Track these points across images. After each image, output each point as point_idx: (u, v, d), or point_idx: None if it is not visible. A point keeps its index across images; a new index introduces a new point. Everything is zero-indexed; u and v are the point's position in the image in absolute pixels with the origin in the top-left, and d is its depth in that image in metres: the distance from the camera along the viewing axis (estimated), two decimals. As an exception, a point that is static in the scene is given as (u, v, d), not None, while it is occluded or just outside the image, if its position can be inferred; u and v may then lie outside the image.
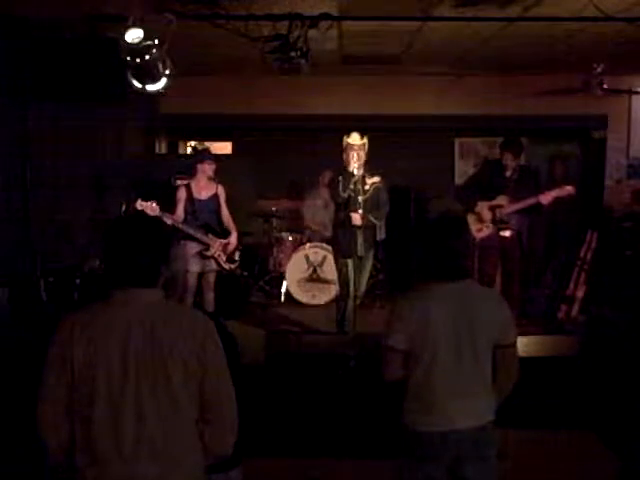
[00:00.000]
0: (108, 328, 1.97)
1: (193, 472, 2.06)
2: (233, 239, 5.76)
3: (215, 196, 5.70)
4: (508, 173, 5.60)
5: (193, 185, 5.65)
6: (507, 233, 5.53)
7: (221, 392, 2.06)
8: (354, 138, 5.20)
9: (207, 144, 9.01)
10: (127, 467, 1.94)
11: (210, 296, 5.69)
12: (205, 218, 5.64)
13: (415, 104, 7.66)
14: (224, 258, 5.68)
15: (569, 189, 5.43)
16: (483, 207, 5.56)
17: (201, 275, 5.66)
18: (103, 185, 6.58)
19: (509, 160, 5.56)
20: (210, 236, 5.61)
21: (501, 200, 5.53)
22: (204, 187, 5.67)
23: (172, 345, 1.98)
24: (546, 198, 5.38)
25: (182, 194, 5.60)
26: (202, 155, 6.00)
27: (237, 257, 5.86)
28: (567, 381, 4.73)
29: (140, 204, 5.26)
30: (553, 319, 6.32)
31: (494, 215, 5.54)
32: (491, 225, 5.54)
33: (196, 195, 5.62)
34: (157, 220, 2.16)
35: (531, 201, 5.43)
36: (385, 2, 4.45)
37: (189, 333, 2.02)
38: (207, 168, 5.63)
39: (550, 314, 6.41)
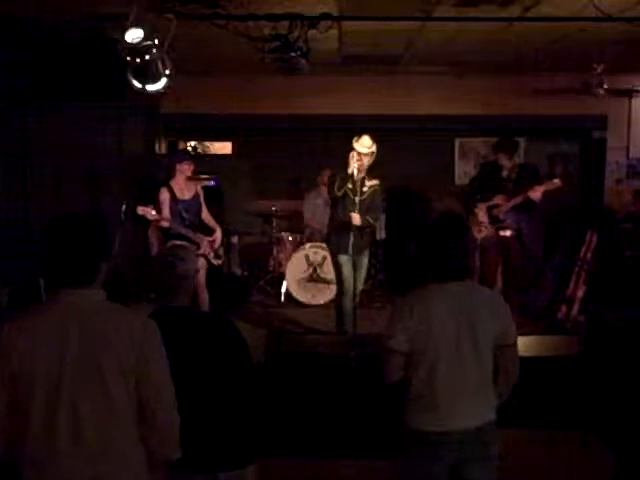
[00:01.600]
0: (44, 330, 1.95)
1: (132, 473, 2.04)
2: (218, 236, 5.83)
3: (197, 196, 5.73)
4: (505, 173, 5.60)
5: (174, 186, 5.63)
6: (507, 233, 5.53)
7: (158, 395, 2.03)
8: (361, 144, 5.12)
9: (207, 144, 9.02)
10: (62, 468, 1.94)
11: (204, 295, 5.68)
12: (190, 218, 5.66)
13: (415, 104, 7.66)
14: (212, 255, 5.76)
15: (556, 182, 5.45)
16: (481, 208, 5.59)
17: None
18: (103, 185, 6.59)
19: (504, 161, 5.56)
20: (198, 234, 5.66)
21: (498, 200, 5.54)
22: (185, 187, 5.67)
23: (108, 347, 1.96)
24: (534, 194, 5.39)
25: (165, 195, 5.57)
26: (180, 156, 5.99)
27: (222, 252, 5.95)
28: (567, 381, 4.73)
29: (141, 210, 5.28)
30: (553, 319, 6.32)
31: (491, 215, 5.55)
32: (489, 226, 5.54)
33: (179, 196, 5.61)
34: (92, 217, 2.12)
35: (519, 199, 5.44)
36: (385, 2, 4.45)
37: (126, 335, 2.00)
38: (186, 168, 5.62)
39: (550, 314, 6.41)
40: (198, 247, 5.61)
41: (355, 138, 5.17)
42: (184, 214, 5.60)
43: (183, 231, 5.52)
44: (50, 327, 1.96)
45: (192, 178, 5.81)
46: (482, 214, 5.55)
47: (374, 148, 5.16)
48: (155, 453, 2.08)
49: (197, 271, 5.54)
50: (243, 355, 2.66)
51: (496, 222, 5.55)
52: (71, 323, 1.96)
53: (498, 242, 5.55)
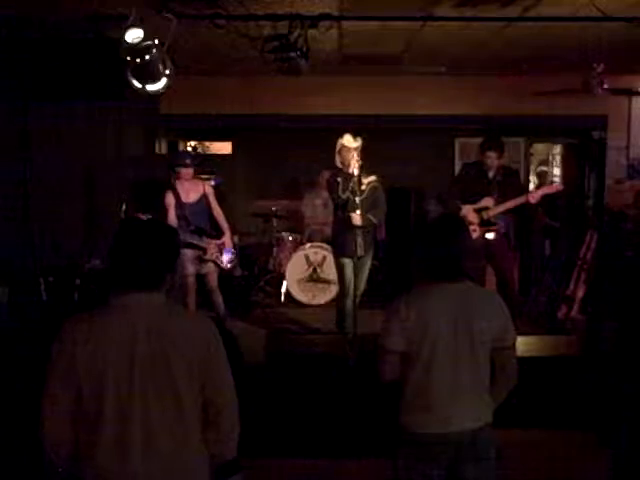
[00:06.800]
0: (112, 333, 1.95)
1: (200, 478, 2.05)
2: (227, 239, 5.67)
3: (203, 196, 5.59)
4: (491, 174, 5.49)
5: (179, 188, 5.52)
6: (491, 235, 5.45)
7: (223, 394, 2.05)
8: (349, 140, 5.14)
9: (207, 144, 9.01)
10: (135, 476, 1.92)
11: (218, 298, 5.62)
12: (196, 221, 5.53)
13: (415, 104, 7.66)
14: (221, 259, 5.64)
15: (557, 186, 5.41)
16: (469, 210, 5.44)
17: (201, 277, 5.59)
18: (103, 185, 6.59)
19: (492, 160, 5.43)
20: (204, 239, 5.54)
21: (486, 202, 5.44)
22: (190, 189, 5.54)
23: (176, 348, 1.97)
24: (534, 197, 5.33)
25: (170, 200, 5.48)
26: (178, 159, 5.75)
27: (234, 256, 5.81)
28: (567, 381, 4.73)
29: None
30: (553, 319, 6.32)
31: (481, 218, 5.47)
32: (478, 228, 5.46)
33: (184, 199, 5.50)
34: (168, 227, 2.14)
35: (520, 200, 5.36)
36: (385, 2, 4.45)
37: (192, 335, 2.02)
38: (184, 173, 5.49)
39: (550, 314, 6.41)
40: (204, 252, 5.52)
41: (340, 138, 5.15)
42: (190, 218, 5.49)
43: (187, 238, 5.40)
44: (117, 330, 1.95)
45: (197, 177, 5.68)
46: (472, 216, 5.46)
47: (360, 141, 5.14)
48: (214, 455, 2.08)
49: (184, 275, 5.49)
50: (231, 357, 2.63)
51: (486, 225, 5.46)
52: (138, 326, 1.95)
53: (483, 245, 5.46)
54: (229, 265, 5.71)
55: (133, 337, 1.94)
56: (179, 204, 5.48)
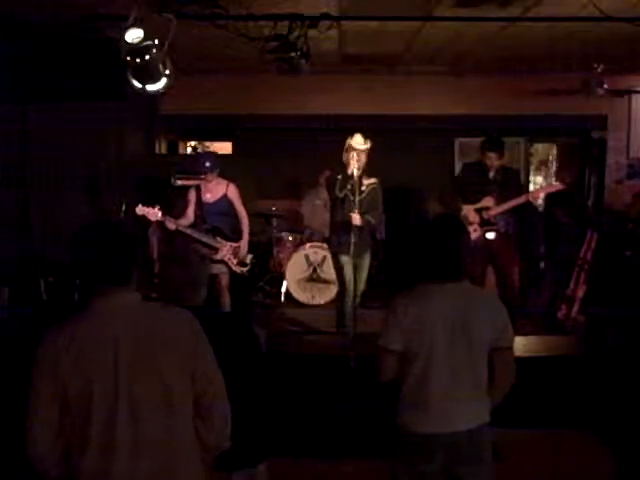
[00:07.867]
0: (95, 338, 1.94)
1: (193, 471, 2.05)
2: (243, 242, 5.67)
3: (224, 197, 5.60)
4: (491, 174, 5.49)
5: (202, 187, 5.58)
6: (491, 235, 5.45)
7: (212, 388, 2.06)
8: (358, 141, 5.15)
9: (207, 144, 9.00)
10: (124, 475, 1.92)
11: (226, 299, 5.63)
12: (214, 221, 5.55)
13: (415, 104, 7.65)
14: (234, 262, 5.62)
15: (557, 185, 5.40)
16: (469, 210, 5.45)
17: (214, 277, 5.60)
18: (103, 185, 6.58)
19: (493, 160, 5.43)
20: (218, 239, 5.55)
21: (487, 202, 5.45)
22: (211, 189, 5.59)
23: (162, 344, 1.97)
24: (535, 196, 5.34)
25: (191, 197, 5.56)
26: (197, 165, 5.66)
27: (249, 260, 5.76)
28: (567, 381, 4.73)
29: (140, 209, 5.21)
30: (553, 319, 6.32)
31: (481, 217, 5.47)
32: (479, 228, 5.47)
33: (204, 198, 5.56)
34: (120, 223, 2.18)
35: (520, 200, 5.37)
36: (385, 2, 4.45)
37: (176, 330, 2.02)
38: (208, 176, 5.51)
39: (550, 314, 6.41)
40: (216, 252, 5.52)
41: (348, 138, 5.17)
42: (206, 217, 5.53)
43: (196, 234, 5.45)
44: (100, 334, 1.94)
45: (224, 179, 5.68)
46: (472, 216, 5.45)
47: (369, 144, 5.17)
48: (209, 445, 2.10)
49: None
50: (255, 354, 2.68)
51: (486, 224, 5.46)
52: (120, 327, 1.95)
53: (484, 245, 5.45)
54: (243, 269, 5.70)
55: (116, 339, 1.93)
56: (199, 203, 5.54)
